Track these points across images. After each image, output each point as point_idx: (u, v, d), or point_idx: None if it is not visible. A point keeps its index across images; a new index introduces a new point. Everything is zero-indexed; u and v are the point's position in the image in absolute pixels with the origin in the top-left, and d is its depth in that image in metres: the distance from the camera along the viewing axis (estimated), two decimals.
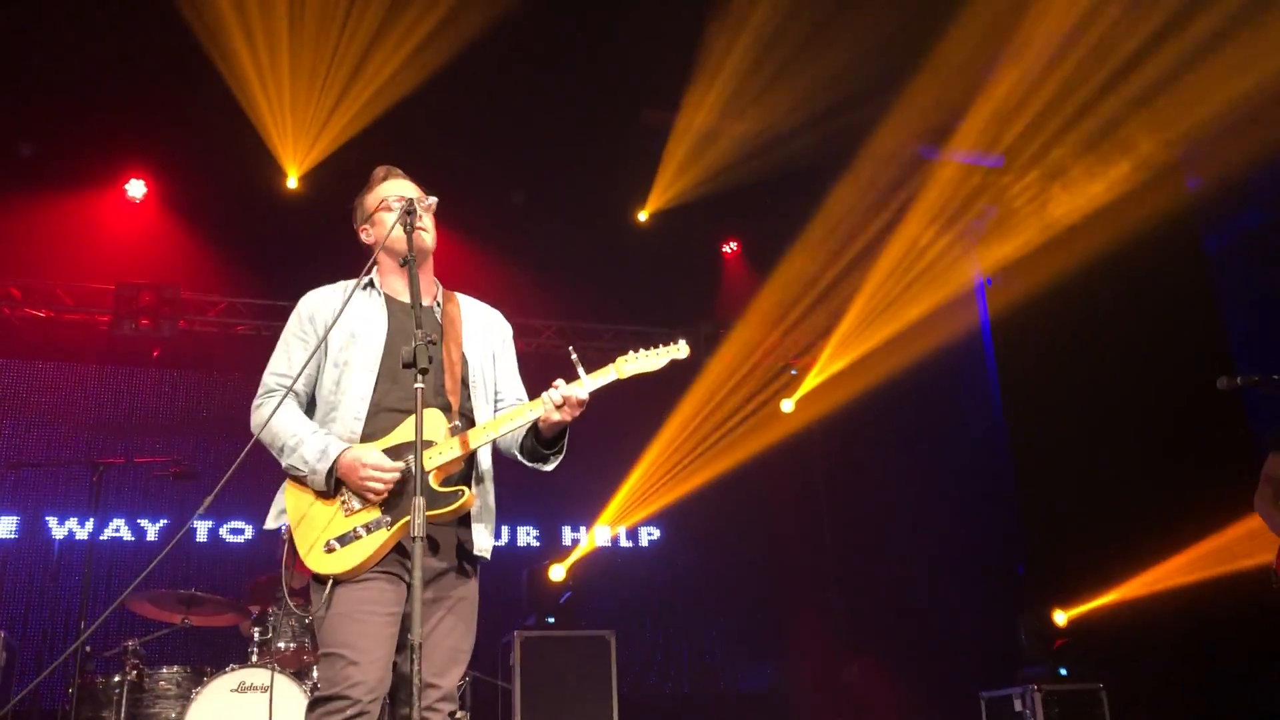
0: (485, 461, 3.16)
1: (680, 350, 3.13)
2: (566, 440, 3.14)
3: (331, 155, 7.28)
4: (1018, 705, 6.93)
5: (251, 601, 5.92)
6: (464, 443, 2.98)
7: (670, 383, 8.53)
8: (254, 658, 5.60)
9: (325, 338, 3.09)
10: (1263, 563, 6.35)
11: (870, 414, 8.53)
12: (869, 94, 7.26)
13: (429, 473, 2.93)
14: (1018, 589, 7.78)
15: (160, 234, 7.74)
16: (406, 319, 3.11)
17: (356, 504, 2.96)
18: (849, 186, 7.74)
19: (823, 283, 8.27)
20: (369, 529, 2.93)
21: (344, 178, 7.51)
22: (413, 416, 2.86)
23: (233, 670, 5.44)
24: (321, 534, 2.95)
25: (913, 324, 8.09)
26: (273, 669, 5.37)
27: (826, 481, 9.00)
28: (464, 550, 3.06)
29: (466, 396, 3.14)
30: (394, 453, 2.97)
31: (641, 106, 7.67)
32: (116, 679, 5.56)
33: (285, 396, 3.07)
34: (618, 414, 8.94)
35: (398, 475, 2.92)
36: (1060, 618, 7.37)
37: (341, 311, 3.09)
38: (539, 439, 3.09)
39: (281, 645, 5.65)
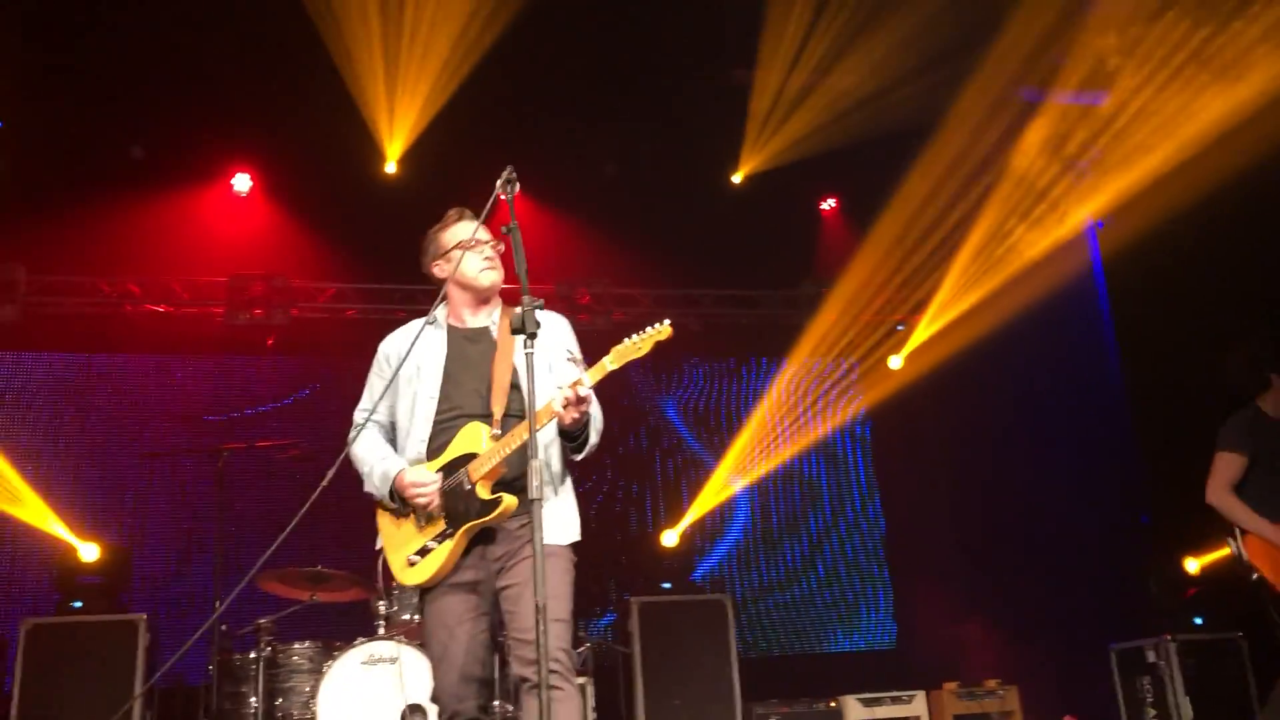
0: (556, 461, 3.42)
1: (663, 331, 3.25)
2: (591, 433, 3.39)
3: (424, 136, 7.39)
4: (1151, 656, 6.74)
5: (377, 576, 6.07)
6: (499, 452, 3.25)
7: (775, 345, 8.50)
8: (381, 630, 5.76)
9: (396, 373, 3.49)
10: None
11: (981, 367, 8.35)
12: (965, 41, 7.07)
13: (475, 484, 3.25)
14: (1144, 539, 7.56)
15: (267, 225, 7.97)
16: (467, 344, 3.51)
17: (424, 519, 3.36)
18: (950, 136, 7.56)
19: (926, 236, 8.10)
20: (438, 541, 3.32)
21: (439, 158, 7.69)
22: (461, 431, 3.35)
23: (361, 643, 5.60)
24: (403, 550, 3.38)
25: (1022, 271, 7.89)
26: (405, 642, 5.53)
27: (938, 438, 8.83)
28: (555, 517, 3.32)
29: (519, 402, 3.34)
30: (448, 469, 3.33)
31: (730, 66, 7.59)
32: (252, 655, 5.78)
33: (364, 427, 3.51)
34: (724, 379, 8.94)
35: (436, 485, 3.31)
36: (1192, 565, 7.15)
37: (409, 350, 3.48)
38: (564, 436, 3.38)
39: (406, 617, 5.80)
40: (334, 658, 5.56)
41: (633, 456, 8.49)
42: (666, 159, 8.05)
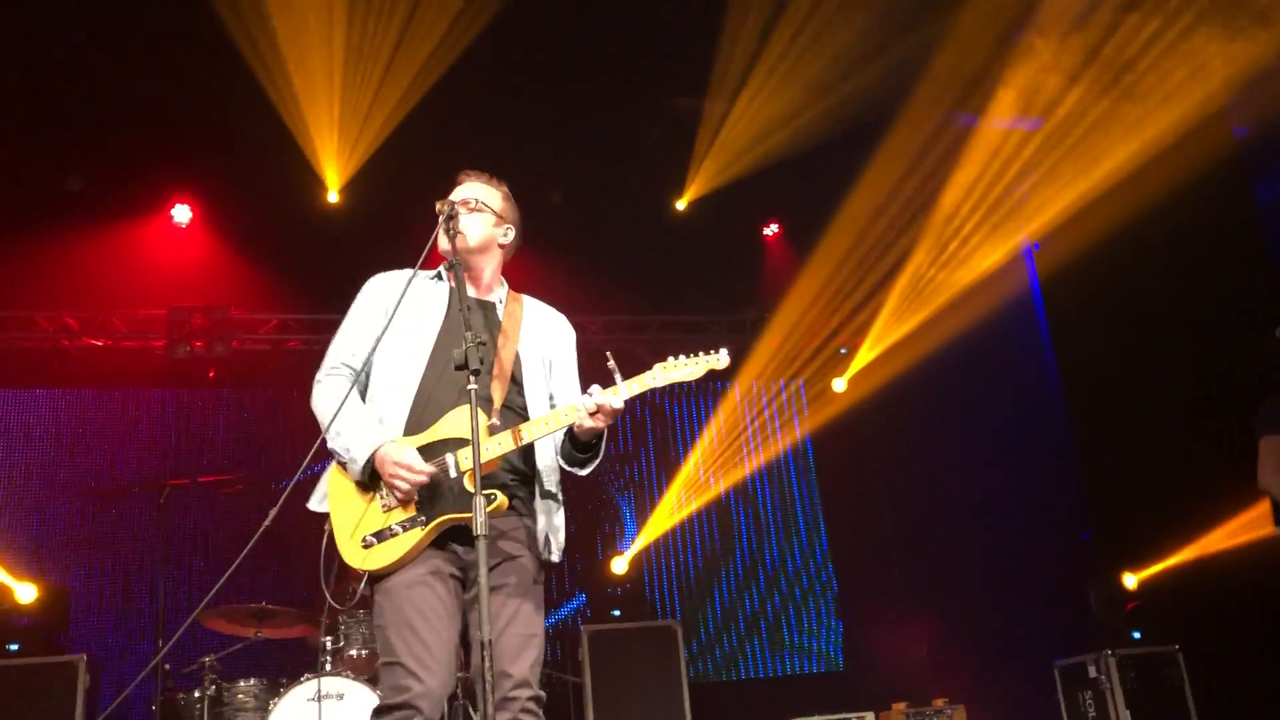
0: (546, 457, 3.21)
1: (719, 360, 3.12)
2: (602, 445, 3.18)
3: (368, 165, 7.38)
4: (1092, 671, 6.87)
5: (321, 612, 6.03)
6: (498, 446, 3.01)
7: (720, 370, 8.56)
8: (327, 666, 5.72)
9: (385, 322, 3.13)
10: None
11: (924, 388, 8.49)
12: (902, 66, 7.22)
13: (463, 474, 2.97)
14: (1084, 555, 7.71)
15: (208, 257, 7.90)
16: (468, 315, 3.10)
17: (392, 500, 3.00)
18: (889, 161, 7.70)
19: (867, 260, 8.23)
20: (405, 527, 2.97)
21: (382, 186, 7.68)
22: (452, 412, 2.97)
23: (308, 679, 5.55)
24: (359, 527, 3.00)
25: (961, 294, 8.03)
26: (352, 677, 5.49)
27: (883, 458, 8.96)
28: (545, 535, 3.15)
29: (518, 394, 3.19)
30: (430, 450, 3.00)
31: (672, 95, 7.68)
32: (196, 694, 5.70)
33: (344, 377, 3.14)
34: (668, 402, 9.00)
35: (425, 479, 2.95)
36: (1130, 581, 7.30)
37: (400, 298, 3.12)
38: (574, 444, 3.15)
39: (353, 653, 5.76)
40: (280, 695, 5.51)
41: (580, 482, 8.49)
42: (611, 187, 8.11)
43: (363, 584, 3.04)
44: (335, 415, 3.03)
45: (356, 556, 2.97)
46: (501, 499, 2.97)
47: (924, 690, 7.49)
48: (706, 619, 8.66)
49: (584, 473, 3.24)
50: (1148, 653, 6.92)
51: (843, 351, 9.01)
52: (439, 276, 3.28)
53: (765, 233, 9.06)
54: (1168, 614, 7.11)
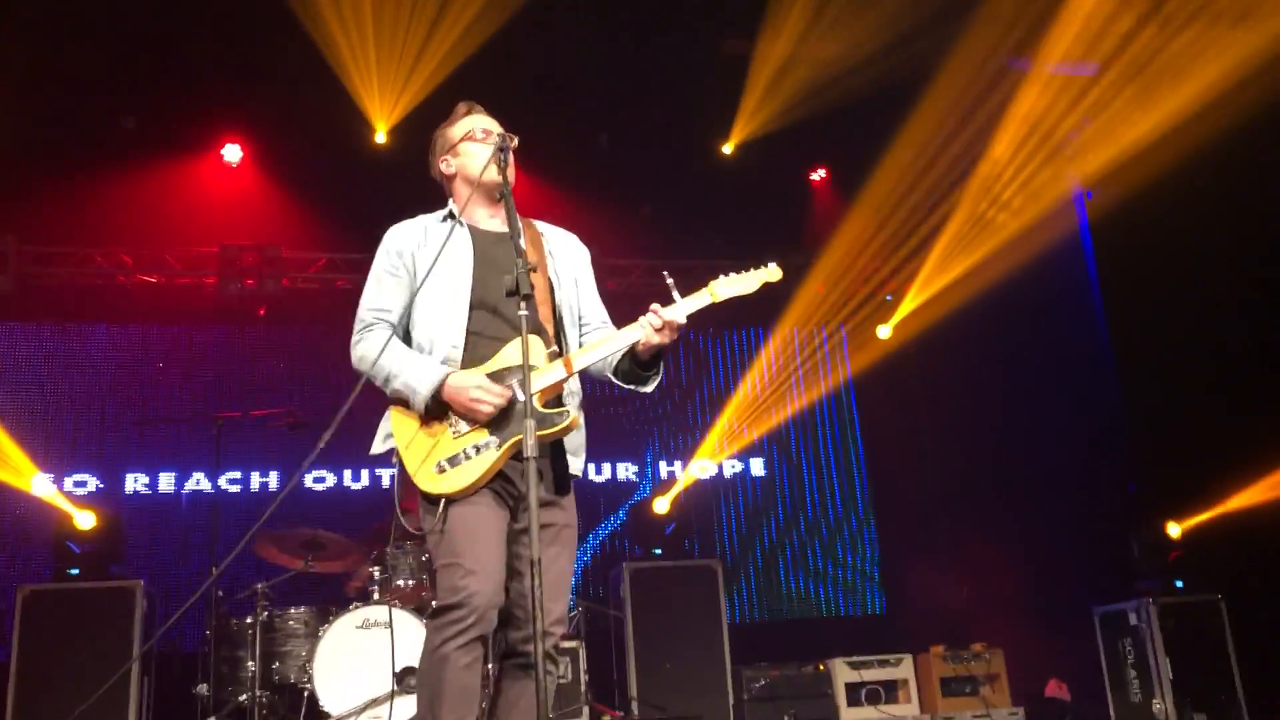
0: (575, 387, 3.24)
1: (773, 273, 3.20)
2: (662, 363, 3.21)
3: (416, 109, 7.40)
4: (1133, 619, 6.86)
5: (370, 544, 6.16)
6: (567, 365, 3.07)
7: (763, 313, 8.56)
8: (375, 596, 5.85)
9: (416, 270, 3.16)
10: None
11: (969, 335, 8.43)
12: (954, 9, 7.10)
13: (534, 395, 2.98)
14: (1129, 504, 7.66)
15: (258, 196, 7.99)
16: (493, 248, 3.20)
17: (463, 425, 3.04)
18: (938, 105, 7.59)
19: (915, 205, 8.14)
20: (478, 449, 3.01)
21: (429, 129, 7.65)
22: (512, 342, 3.00)
23: (356, 608, 5.69)
24: (430, 456, 3.03)
25: (1009, 241, 7.94)
26: (392, 605, 5.62)
27: (928, 405, 8.93)
28: (560, 476, 3.16)
29: (557, 321, 3.22)
30: (495, 378, 3.04)
31: (719, 36, 7.60)
32: (249, 620, 5.87)
33: (383, 329, 3.16)
34: (711, 348, 9.02)
35: (504, 399, 2.99)
36: (1174, 530, 7.25)
37: (443, 246, 3.14)
38: (637, 362, 3.16)
39: (400, 583, 5.89)
40: (329, 622, 5.65)
41: (622, 422, 8.57)
42: (658, 129, 8.07)
43: (400, 516, 3.12)
44: (384, 361, 3.08)
45: (432, 483, 3.01)
46: (574, 415, 3.03)
47: (963, 634, 7.52)
48: (747, 560, 8.73)
49: (648, 389, 3.25)
50: (1189, 601, 6.88)
51: (888, 299, 8.96)
52: (450, 216, 3.27)
53: (812, 178, 8.98)
54: (1211, 563, 7.05)
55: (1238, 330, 7.31)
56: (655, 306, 3.06)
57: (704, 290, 3.14)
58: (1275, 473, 6.93)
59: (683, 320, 3.06)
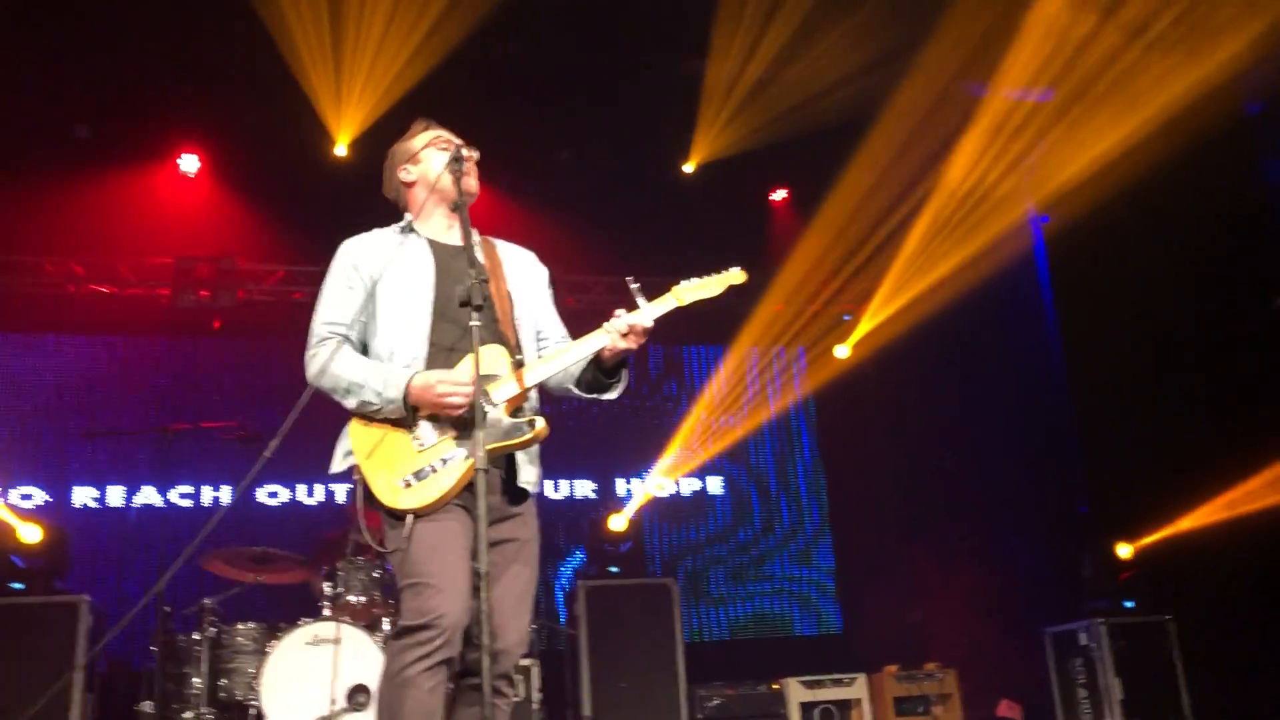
0: (534, 399, 3.21)
1: (736, 276, 3.20)
2: (628, 369, 3.20)
3: (377, 121, 7.35)
4: (1083, 639, 6.92)
5: (320, 559, 6.08)
6: (528, 376, 3.04)
7: (722, 331, 8.57)
8: (325, 612, 5.76)
9: (373, 282, 3.11)
10: None
11: (924, 356, 8.50)
12: (914, 34, 7.17)
13: (499, 405, 2.98)
14: (1080, 525, 7.73)
15: (215, 207, 7.90)
16: (452, 260, 3.17)
17: (429, 438, 2.99)
18: (896, 127, 7.65)
19: (872, 227, 8.20)
20: (444, 462, 2.96)
21: (390, 142, 7.61)
22: (470, 353, 2.92)
23: (305, 624, 5.60)
24: (394, 470, 2.97)
25: (965, 262, 8.01)
26: (350, 623, 5.54)
27: (884, 425, 8.97)
28: (519, 490, 3.12)
29: (516, 334, 3.20)
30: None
31: (682, 56, 7.63)
32: (195, 636, 5.76)
33: (338, 343, 3.10)
34: (670, 366, 9.02)
35: (474, 392, 2.87)
36: (1124, 551, 7.33)
37: (402, 258, 3.11)
38: (601, 369, 3.14)
39: (352, 599, 5.80)
40: (278, 638, 5.56)
41: (579, 439, 8.53)
42: (619, 147, 8.08)
43: (363, 532, 3.04)
44: (344, 373, 3.03)
45: (398, 497, 2.94)
46: (542, 425, 2.98)
47: (917, 654, 7.53)
48: (704, 579, 8.71)
49: (612, 396, 3.23)
50: (1140, 622, 6.96)
51: (846, 318, 9.01)
52: (408, 229, 3.23)
53: (772, 198, 9.02)
54: (1162, 585, 7.13)
55: (1189, 353, 7.41)
56: (619, 311, 3.05)
57: (669, 294, 3.14)
58: (1224, 494, 7.02)
59: (649, 324, 3.05)
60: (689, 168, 8.27)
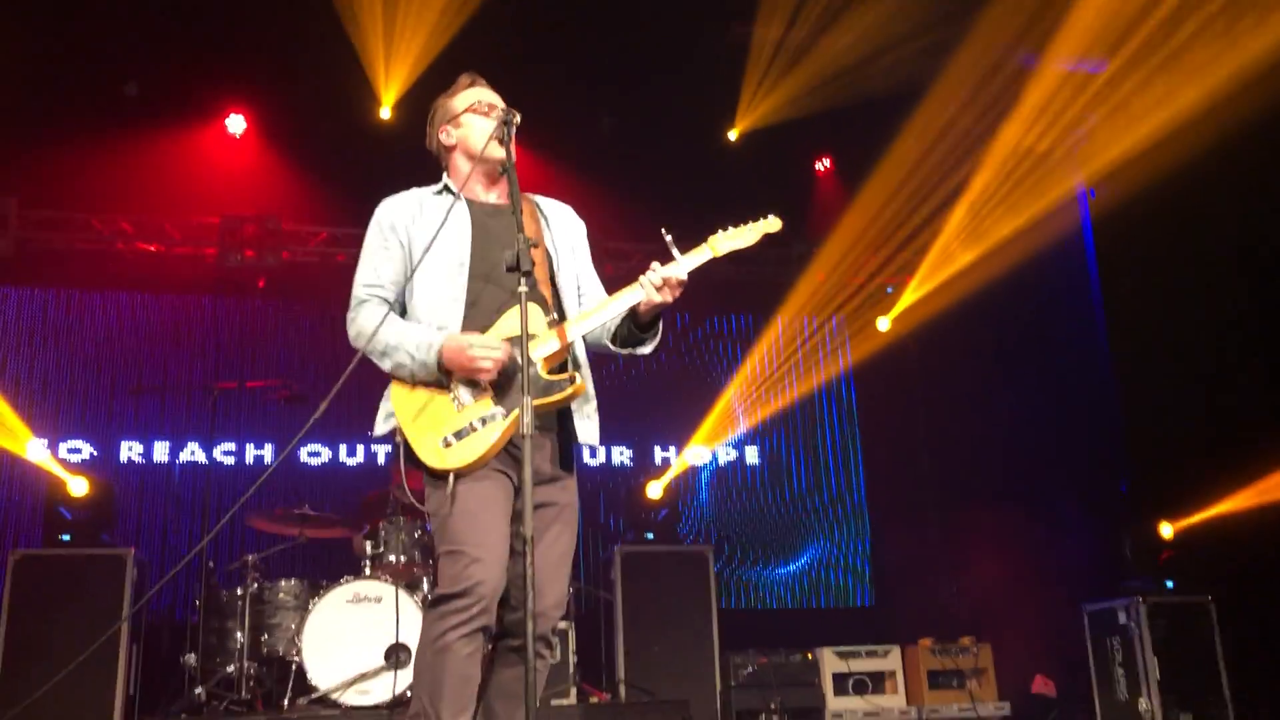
0: (581, 354, 3.20)
1: (772, 224, 3.18)
2: (662, 324, 3.16)
3: (419, 81, 7.36)
4: (1122, 618, 6.86)
5: (362, 518, 6.14)
6: (563, 333, 3.02)
7: (763, 299, 8.53)
8: (367, 571, 5.83)
9: (410, 244, 3.11)
10: None
11: (968, 330, 8.43)
12: (965, 3, 7.07)
13: (536, 363, 2.96)
14: (1122, 503, 7.67)
15: (260, 167, 7.96)
16: (491, 220, 3.15)
17: (466, 398, 2.98)
18: (944, 99, 7.56)
19: (918, 199, 8.11)
20: (484, 421, 2.94)
21: (432, 104, 7.62)
22: (510, 311, 2.95)
23: (347, 582, 5.67)
24: (435, 430, 2.96)
25: (1011, 236, 7.91)
26: (390, 582, 5.60)
27: (924, 398, 8.92)
28: (565, 451, 3.12)
29: (556, 292, 3.18)
30: None
31: (727, 21, 7.56)
32: (239, 591, 5.85)
33: (378, 304, 3.10)
34: (710, 333, 8.99)
35: (506, 353, 2.91)
36: (1166, 530, 7.25)
37: (444, 220, 3.09)
38: (636, 323, 3.12)
39: (392, 559, 5.87)
40: (320, 595, 5.64)
41: (618, 405, 8.55)
42: (663, 114, 8.03)
43: (405, 492, 3.05)
44: (382, 334, 3.01)
45: (439, 458, 2.93)
46: (581, 381, 2.99)
47: (952, 627, 7.52)
48: (740, 547, 8.72)
49: (646, 351, 3.20)
50: (1179, 602, 6.88)
51: (889, 290, 8.94)
52: (446, 190, 3.23)
53: (816, 167, 8.95)
54: (1202, 565, 7.06)
55: (1237, 334, 7.30)
56: (654, 264, 3.02)
57: (704, 245, 3.11)
58: (1267, 477, 6.92)
59: (683, 276, 3.02)
60: (733, 135, 8.21)
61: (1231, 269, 7.30)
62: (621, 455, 8.67)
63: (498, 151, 3.13)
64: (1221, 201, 7.26)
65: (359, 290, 3.14)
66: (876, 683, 7.11)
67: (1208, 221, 7.32)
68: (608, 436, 8.33)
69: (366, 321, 3.07)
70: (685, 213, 8.15)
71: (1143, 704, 6.65)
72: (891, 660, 7.16)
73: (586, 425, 3.14)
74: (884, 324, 8.90)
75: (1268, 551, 6.79)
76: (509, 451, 2.97)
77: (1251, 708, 6.54)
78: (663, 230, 3.10)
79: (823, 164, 8.93)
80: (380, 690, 5.44)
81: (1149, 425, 7.61)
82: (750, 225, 3.16)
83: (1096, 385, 8.05)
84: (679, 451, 8.60)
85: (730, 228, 3.13)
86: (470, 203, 3.19)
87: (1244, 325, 7.28)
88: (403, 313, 3.15)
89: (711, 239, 3.14)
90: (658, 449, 8.72)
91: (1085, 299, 8.24)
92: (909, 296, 8.62)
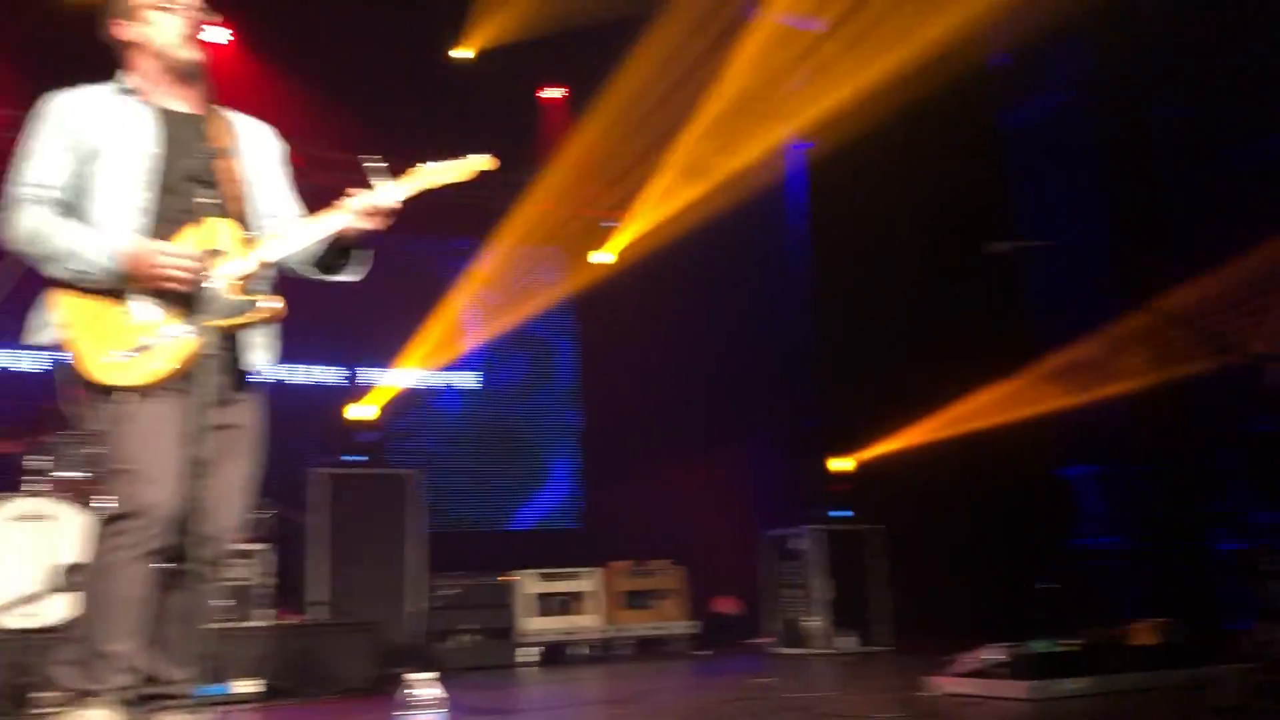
0: (268, 280, 3.10)
1: (485, 162, 3.15)
2: (370, 252, 3.12)
3: None
4: (800, 544, 7.42)
5: (33, 430, 5.70)
6: (258, 253, 2.93)
7: (484, 224, 8.49)
8: (36, 487, 5.44)
9: (87, 144, 2.92)
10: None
11: (683, 268, 8.72)
12: None
13: (225, 282, 2.85)
14: (809, 437, 8.24)
15: None
16: (178, 129, 3.00)
17: (144, 311, 2.85)
18: (670, 41, 7.70)
19: (641, 135, 8.26)
20: (162, 339, 2.83)
21: None
22: (200, 225, 2.83)
23: (12, 499, 5.27)
24: (108, 344, 2.83)
25: (728, 180, 8.21)
26: (62, 499, 5.26)
27: (640, 332, 9.13)
28: (243, 372, 3.03)
29: (248, 210, 3.07)
30: None
31: None
32: None
33: (45, 206, 2.88)
34: (428, 255, 8.85)
35: (196, 265, 2.79)
36: (844, 464, 7.87)
37: (123, 123, 2.92)
38: (340, 249, 3.06)
39: (65, 475, 5.50)
40: None
41: (324, 323, 8.29)
42: (391, 28, 7.74)
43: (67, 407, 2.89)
44: (52, 238, 2.82)
45: (110, 373, 2.79)
46: (274, 304, 2.91)
47: (650, 551, 7.85)
48: (449, 472, 8.72)
49: (351, 278, 3.15)
50: (852, 529, 7.52)
51: (611, 224, 9.08)
52: (127, 90, 3.02)
53: (545, 95, 8.92)
54: (879, 495, 7.70)
55: (919, 287, 7.94)
56: (358, 191, 2.96)
57: (413, 174, 3.05)
58: (942, 411, 7.61)
59: (393, 205, 2.97)
60: (461, 55, 8.05)
61: (920, 224, 7.90)
62: (328, 374, 8.42)
63: (186, 53, 2.97)
64: (915, 162, 7.82)
65: (21, 189, 2.91)
66: (577, 602, 7.36)
67: (901, 180, 7.87)
68: (314, 355, 8.06)
69: (30, 222, 2.86)
70: (404, 128, 8.01)
71: (812, 623, 7.24)
72: (591, 582, 7.43)
73: (257, 353, 3.05)
74: (604, 257, 9.06)
75: (941, 483, 7.47)
76: (188, 370, 2.85)
77: (912, 629, 7.22)
78: (364, 158, 3.00)
79: (552, 91, 8.91)
80: (49, 613, 5.12)
81: (838, 367, 8.20)
82: (462, 160, 3.13)
83: (796, 326, 8.59)
84: (389, 373, 8.46)
85: (442, 161, 3.06)
86: (157, 109, 3.01)
87: (924, 280, 7.93)
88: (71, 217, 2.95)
89: (420, 169, 3.09)
90: (367, 370, 8.52)
91: (794, 244, 8.72)
92: (630, 231, 8.81)
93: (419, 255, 8.46)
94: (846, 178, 7.99)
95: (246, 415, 3.04)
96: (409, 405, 8.56)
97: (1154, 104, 8.14)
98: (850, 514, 7.68)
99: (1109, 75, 8.07)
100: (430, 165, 3.10)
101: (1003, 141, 8.31)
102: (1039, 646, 4.12)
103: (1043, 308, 7.79)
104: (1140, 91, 8.06)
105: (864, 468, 7.97)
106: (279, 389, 3.18)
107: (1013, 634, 4.43)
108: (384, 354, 8.49)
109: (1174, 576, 7.16)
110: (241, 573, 5.76)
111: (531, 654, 7.05)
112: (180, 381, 2.83)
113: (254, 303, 2.90)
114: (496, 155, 3.28)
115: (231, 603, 5.59)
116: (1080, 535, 8.23)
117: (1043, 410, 7.42)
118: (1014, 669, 4.07)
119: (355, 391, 8.16)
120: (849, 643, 7.21)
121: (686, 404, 8.98)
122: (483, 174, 3.24)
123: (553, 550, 8.07)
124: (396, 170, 3.09)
